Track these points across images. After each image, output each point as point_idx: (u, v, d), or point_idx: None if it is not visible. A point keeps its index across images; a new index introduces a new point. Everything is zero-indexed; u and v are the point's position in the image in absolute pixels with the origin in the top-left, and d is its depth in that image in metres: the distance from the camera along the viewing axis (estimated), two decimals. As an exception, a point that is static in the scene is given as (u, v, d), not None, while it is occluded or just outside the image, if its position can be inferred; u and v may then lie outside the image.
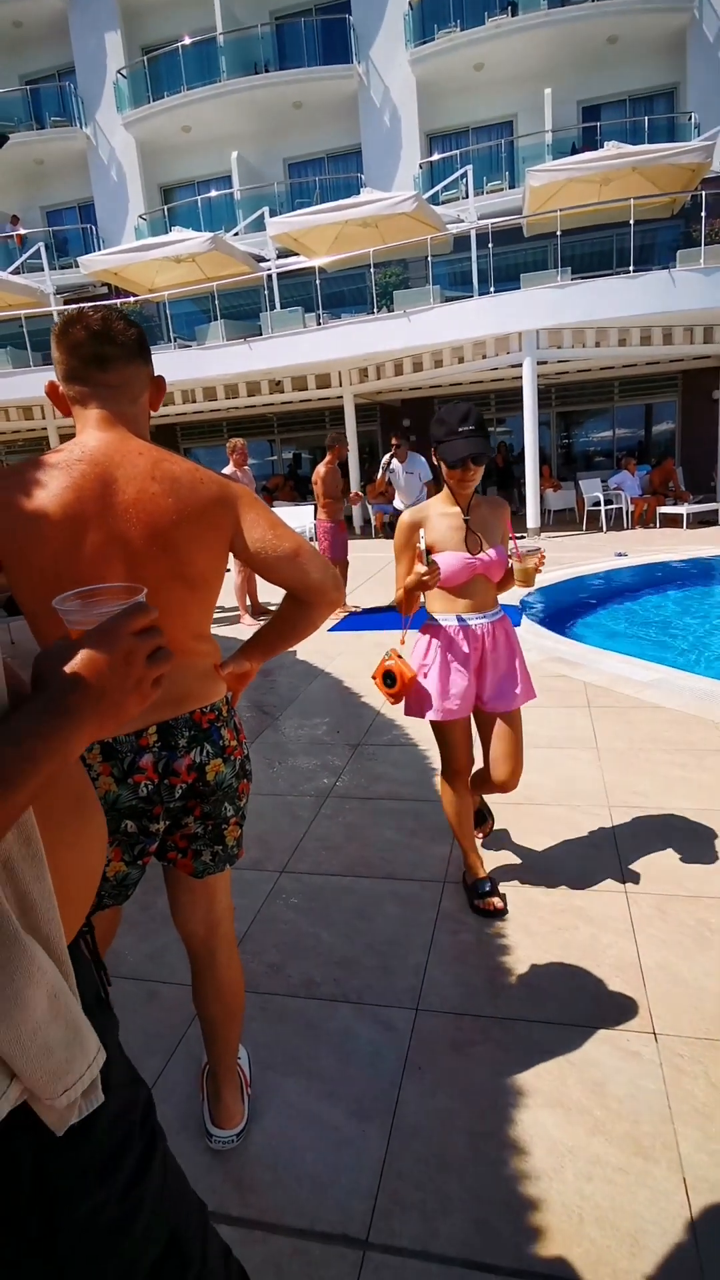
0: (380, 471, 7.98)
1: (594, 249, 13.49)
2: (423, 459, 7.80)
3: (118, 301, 14.38)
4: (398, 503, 7.87)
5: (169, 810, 1.34)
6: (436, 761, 3.47)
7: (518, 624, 5.94)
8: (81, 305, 1.37)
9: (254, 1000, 1.97)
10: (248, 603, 6.91)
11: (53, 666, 0.60)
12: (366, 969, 2.10)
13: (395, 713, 4.18)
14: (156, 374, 1.40)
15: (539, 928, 2.22)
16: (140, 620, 0.64)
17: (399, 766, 3.48)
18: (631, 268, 10.62)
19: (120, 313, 1.32)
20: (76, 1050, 0.56)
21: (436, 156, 16.31)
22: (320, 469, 6.66)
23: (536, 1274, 1.29)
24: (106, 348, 1.28)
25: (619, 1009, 1.88)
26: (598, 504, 11.89)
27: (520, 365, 11.01)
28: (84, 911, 0.66)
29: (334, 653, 5.51)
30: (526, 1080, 1.69)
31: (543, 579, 7.81)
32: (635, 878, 2.44)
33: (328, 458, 6.68)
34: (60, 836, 0.61)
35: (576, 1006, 1.90)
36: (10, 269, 16.53)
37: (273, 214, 14.12)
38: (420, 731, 3.87)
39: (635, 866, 2.50)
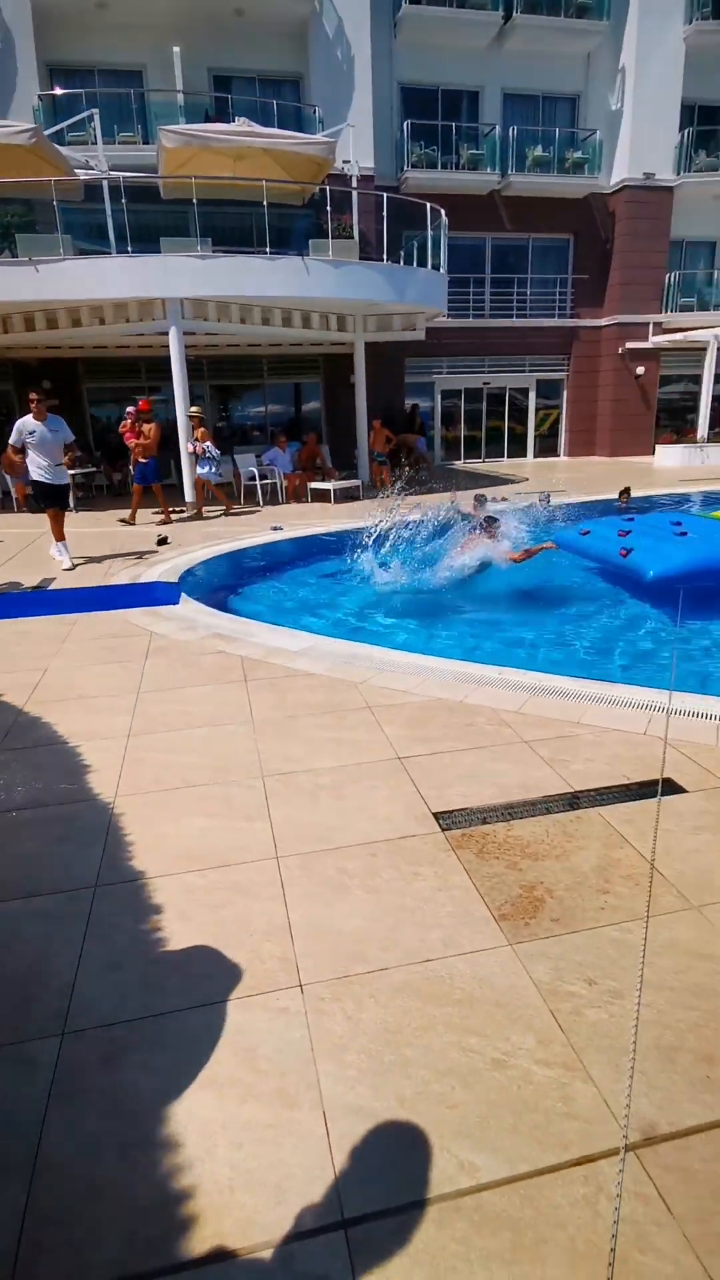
0: (14, 435, 6.91)
1: (236, 223, 13.61)
2: (63, 420, 7.20)
3: None
4: (35, 472, 7.05)
5: None
6: (90, 757, 3.29)
7: (175, 602, 5.86)
8: None
9: None
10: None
11: None
12: (4, 1008, 1.90)
13: (43, 710, 3.83)
14: None
15: (195, 912, 2.23)
16: None
17: (46, 770, 3.19)
18: (268, 249, 10.95)
19: None
20: None
21: (59, 91, 14.83)
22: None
23: (189, 1262, 1.30)
24: None
25: (270, 972, 1.98)
26: (253, 478, 12.23)
27: (167, 334, 10.72)
28: None
29: (-33, 647, 4.84)
30: (180, 1070, 1.69)
31: (201, 555, 7.81)
32: (285, 842, 2.59)
33: None
34: None
35: (230, 981, 1.95)
36: None
37: None
38: (73, 727, 3.60)
39: (285, 831, 2.65)
